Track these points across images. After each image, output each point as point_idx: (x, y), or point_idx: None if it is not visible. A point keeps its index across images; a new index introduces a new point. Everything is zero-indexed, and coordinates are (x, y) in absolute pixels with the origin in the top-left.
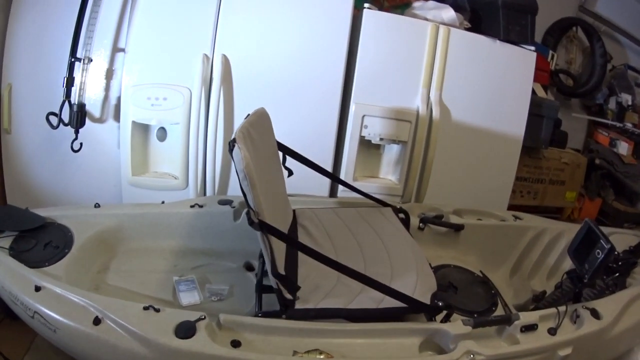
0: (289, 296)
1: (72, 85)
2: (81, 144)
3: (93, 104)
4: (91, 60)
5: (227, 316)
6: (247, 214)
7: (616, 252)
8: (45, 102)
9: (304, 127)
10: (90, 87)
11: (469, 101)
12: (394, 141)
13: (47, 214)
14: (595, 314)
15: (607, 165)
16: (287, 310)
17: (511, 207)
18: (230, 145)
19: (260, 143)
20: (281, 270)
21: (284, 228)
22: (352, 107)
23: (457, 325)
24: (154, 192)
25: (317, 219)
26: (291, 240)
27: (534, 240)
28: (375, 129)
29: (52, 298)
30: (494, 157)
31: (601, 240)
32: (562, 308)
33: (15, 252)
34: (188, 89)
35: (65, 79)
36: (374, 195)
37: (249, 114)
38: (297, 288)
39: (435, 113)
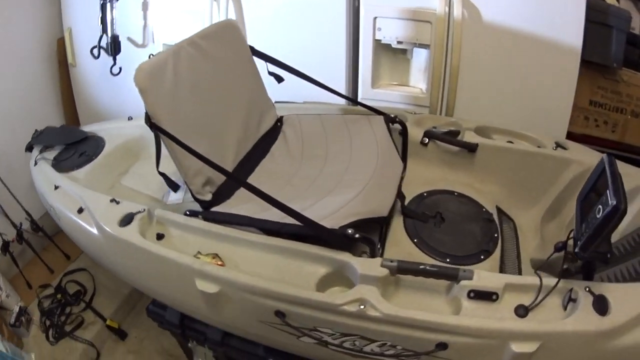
0: (198, 197)
1: (106, 21)
2: (120, 68)
3: (135, 32)
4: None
5: (160, 211)
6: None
7: None
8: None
9: (311, 35)
10: (129, 19)
11: None
12: (414, 44)
13: (91, 129)
14: (601, 304)
15: None
16: (204, 211)
17: (583, 139)
18: None
19: (219, 53)
20: (165, 170)
21: (243, 135)
22: (362, 9)
23: (371, 264)
24: None
25: (299, 126)
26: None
27: (579, 179)
28: (390, 32)
29: (63, 194)
30: (545, 71)
31: (608, 191)
32: (548, 280)
33: (56, 162)
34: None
35: (100, 17)
36: (398, 105)
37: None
38: (177, 187)
39: (457, 12)
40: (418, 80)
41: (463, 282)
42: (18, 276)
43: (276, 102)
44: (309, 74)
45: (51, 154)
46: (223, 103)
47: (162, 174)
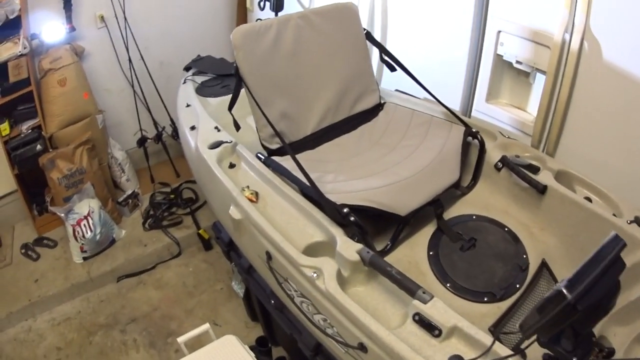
0: (264, 144)
1: None
2: None
3: None
4: None
5: (240, 146)
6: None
7: None
8: None
9: (436, 38)
10: None
11: (634, 38)
12: (533, 68)
13: None
14: None
15: None
16: (265, 157)
17: None
18: None
19: (328, 30)
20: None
21: (334, 106)
22: (488, 20)
23: (350, 246)
24: None
25: (392, 115)
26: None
27: None
28: (511, 49)
29: (188, 112)
30: None
31: (573, 274)
32: (504, 349)
33: (201, 86)
34: None
35: None
36: (504, 126)
37: None
38: (239, 127)
39: (575, 42)
40: (535, 107)
41: (415, 302)
42: (146, 170)
43: (396, 90)
44: (429, 72)
45: (200, 79)
46: (319, 74)
47: (232, 114)
